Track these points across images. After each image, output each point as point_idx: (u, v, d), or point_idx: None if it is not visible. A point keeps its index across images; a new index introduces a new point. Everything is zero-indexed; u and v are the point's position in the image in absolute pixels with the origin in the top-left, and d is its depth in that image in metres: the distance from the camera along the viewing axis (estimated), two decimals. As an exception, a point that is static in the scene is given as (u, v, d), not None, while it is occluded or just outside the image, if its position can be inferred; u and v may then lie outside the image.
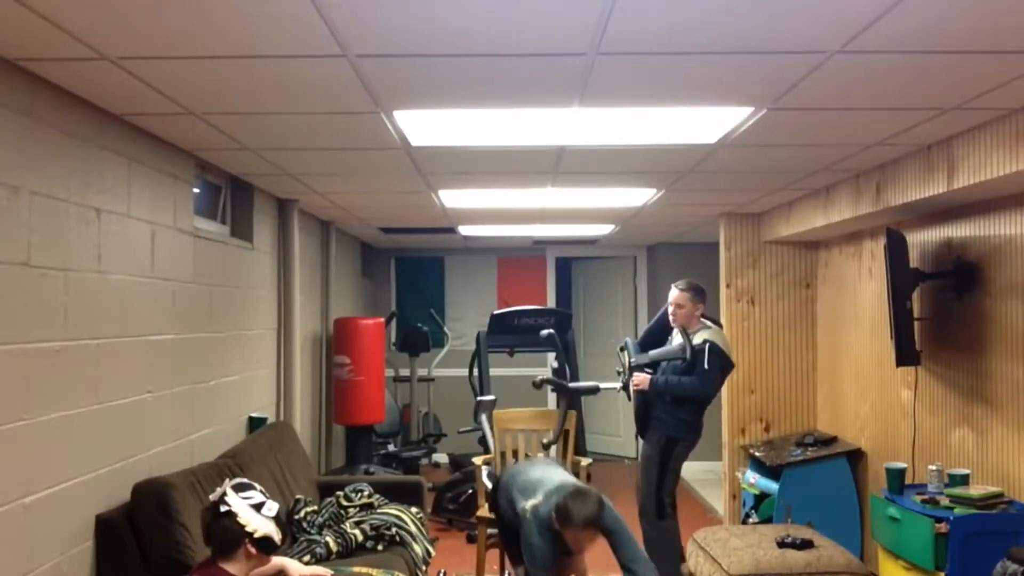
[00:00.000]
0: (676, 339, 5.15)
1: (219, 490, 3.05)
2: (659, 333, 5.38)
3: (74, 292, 3.11)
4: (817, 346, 6.59)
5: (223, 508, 3.00)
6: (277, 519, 3.10)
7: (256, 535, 2.99)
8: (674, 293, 5.15)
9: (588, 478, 5.57)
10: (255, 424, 5.13)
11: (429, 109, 3.37)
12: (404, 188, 5.33)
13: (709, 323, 5.14)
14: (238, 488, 3.07)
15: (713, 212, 6.66)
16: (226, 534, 2.99)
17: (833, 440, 6.01)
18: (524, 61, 2.75)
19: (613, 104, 3.29)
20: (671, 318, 5.18)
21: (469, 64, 2.79)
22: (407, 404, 9.05)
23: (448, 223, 7.25)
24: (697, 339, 4.99)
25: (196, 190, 4.41)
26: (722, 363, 5.03)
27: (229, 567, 3.00)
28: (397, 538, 4.41)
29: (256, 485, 3.16)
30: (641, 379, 5.10)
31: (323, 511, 4.55)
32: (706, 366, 4.95)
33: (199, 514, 3.12)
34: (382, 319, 7.29)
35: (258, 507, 3.06)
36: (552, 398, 9.37)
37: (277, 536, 3.07)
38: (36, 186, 2.88)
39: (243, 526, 2.97)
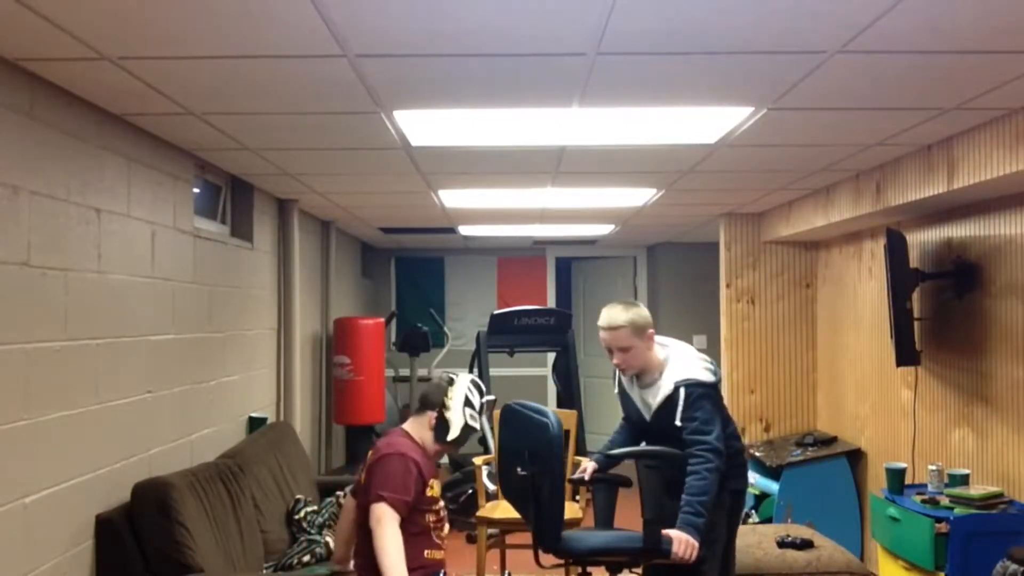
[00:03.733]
0: (636, 395, 3.58)
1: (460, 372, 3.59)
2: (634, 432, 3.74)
3: (74, 292, 3.11)
4: (817, 346, 6.60)
5: (452, 376, 3.49)
6: (467, 428, 3.45)
7: (445, 412, 3.38)
8: (603, 336, 3.50)
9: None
10: (255, 424, 5.12)
11: (429, 109, 3.37)
12: (404, 188, 5.33)
13: (665, 344, 3.57)
14: (475, 384, 3.52)
15: (713, 212, 6.66)
16: (433, 393, 3.44)
17: (833, 440, 6.01)
18: (524, 61, 2.75)
19: (613, 104, 3.29)
20: (620, 372, 3.59)
21: (469, 64, 2.79)
22: (407, 404, 9.05)
23: (448, 223, 7.25)
24: (664, 386, 3.44)
25: (196, 190, 4.41)
26: (714, 399, 3.46)
27: (410, 426, 3.44)
28: (397, 538, 4.41)
29: (484, 398, 3.59)
30: (683, 545, 3.24)
31: (323, 511, 4.55)
32: (687, 425, 3.34)
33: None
34: (382, 319, 7.29)
35: (469, 404, 3.46)
36: (552, 396, 9.38)
37: (454, 434, 3.41)
38: (36, 186, 2.88)
39: (446, 398, 3.40)
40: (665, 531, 3.31)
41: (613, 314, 3.49)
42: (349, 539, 3.53)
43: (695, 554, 3.27)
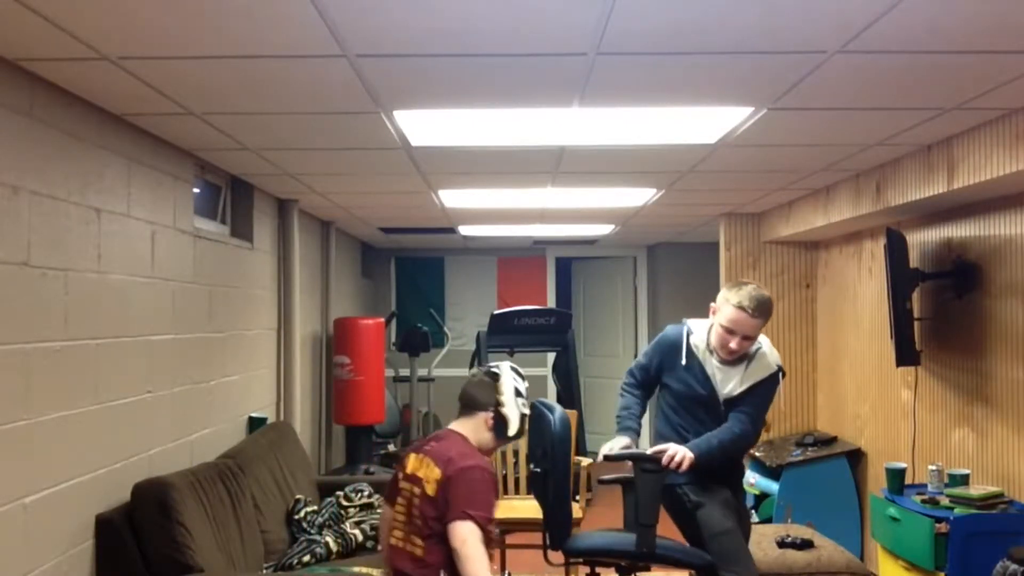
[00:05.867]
0: (711, 369, 3.58)
1: (497, 363, 3.32)
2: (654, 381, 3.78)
3: (74, 292, 3.11)
4: (817, 346, 6.59)
5: (494, 370, 3.24)
6: (523, 418, 3.25)
7: (501, 409, 3.17)
8: (741, 317, 3.42)
9: (588, 479, 5.57)
10: (255, 424, 5.12)
11: (429, 109, 3.37)
12: (404, 188, 5.33)
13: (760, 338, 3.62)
14: (515, 370, 3.29)
15: (713, 212, 6.66)
16: (482, 392, 3.20)
17: (833, 440, 6.01)
18: (524, 61, 2.75)
19: (613, 104, 3.29)
20: (725, 352, 3.51)
21: (469, 64, 2.79)
22: (407, 404, 9.05)
23: (448, 223, 7.25)
24: (766, 366, 3.56)
25: (196, 190, 4.41)
26: None
27: (462, 429, 3.18)
28: (397, 538, 4.41)
29: (524, 381, 3.37)
30: (678, 452, 3.40)
31: (323, 511, 4.54)
32: (758, 400, 3.56)
33: (470, 373, 3.35)
34: (382, 319, 7.29)
35: (519, 393, 3.23)
36: (552, 396, 9.38)
37: (514, 428, 3.20)
38: (36, 186, 2.88)
39: (498, 395, 3.18)
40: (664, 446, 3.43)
41: (765, 304, 3.46)
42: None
43: (686, 465, 3.37)
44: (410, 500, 3.07)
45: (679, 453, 3.39)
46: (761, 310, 3.44)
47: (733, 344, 3.46)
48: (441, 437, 3.17)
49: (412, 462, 3.13)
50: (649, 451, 3.45)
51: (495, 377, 3.22)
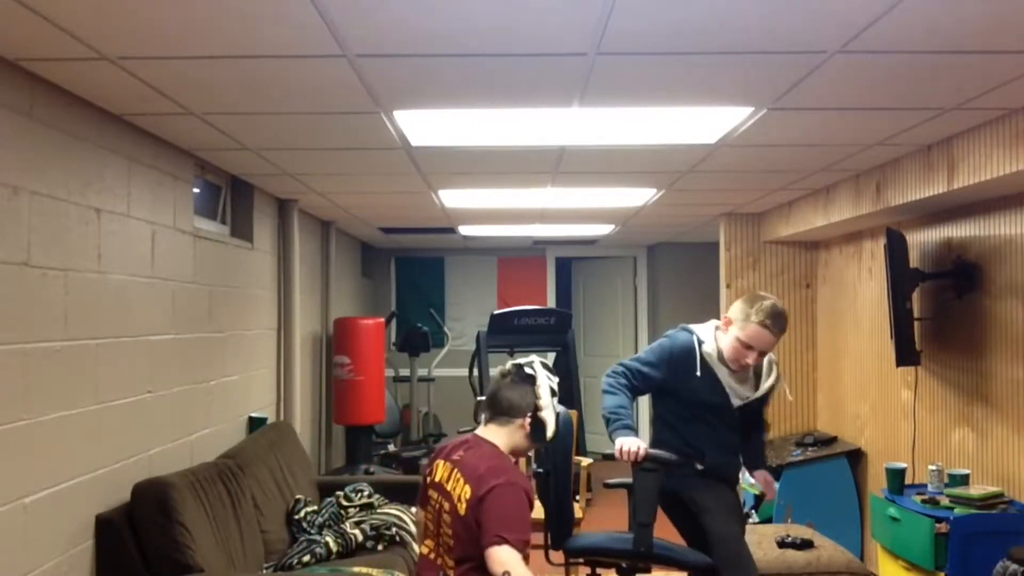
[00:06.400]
0: (723, 377, 3.59)
1: (527, 358, 3.07)
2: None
3: (74, 292, 3.11)
4: (817, 346, 6.59)
5: (528, 371, 3.01)
6: (557, 417, 3.05)
7: (540, 413, 2.95)
8: (762, 335, 3.44)
9: (588, 478, 5.58)
10: (255, 424, 5.12)
11: (429, 109, 3.37)
12: (404, 188, 5.33)
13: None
14: (546, 367, 3.07)
15: (713, 212, 6.66)
16: (520, 398, 2.97)
17: (833, 440, 6.01)
18: (524, 61, 2.75)
19: (613, 104, 3.29)
20: (738, 366, 3.55)
21: (469, 64, 2.79)
22: (407, 404, 9.05)
23: (448, 223, 7.25)
24: (771, 372, 3.68)
25: (196, 190, 4.41)
26: None
27: (494, 436, 2.96)
28: (397, 538, 4.41)
29: (556, 377, 3.13)
30: (771, 485, 3.91)
31: (323, 511, 4.54)
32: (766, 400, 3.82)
33: (498, 372, 3.08)
34: (382, 319, 7.29)
35: (553, 392, 3.02)
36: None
37: (552, 429, 2.99)
38: (36, 186, 2.88)
39: (537, 400, 2.96)
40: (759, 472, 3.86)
41: (785, 320, 3.51)
42: None
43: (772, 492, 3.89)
44: (438, 512, 2.92)
45: (771, 487, 3.90)
46: (782, 327, 3.48)
47: (750, 360, 3.48)
48: (470, 445, 2.96)
49: (440, 470, 2.96)
50: (751, 478, 3.94)
51: (532, 380, 3.00)
